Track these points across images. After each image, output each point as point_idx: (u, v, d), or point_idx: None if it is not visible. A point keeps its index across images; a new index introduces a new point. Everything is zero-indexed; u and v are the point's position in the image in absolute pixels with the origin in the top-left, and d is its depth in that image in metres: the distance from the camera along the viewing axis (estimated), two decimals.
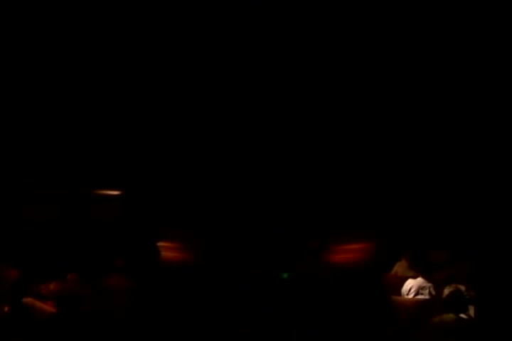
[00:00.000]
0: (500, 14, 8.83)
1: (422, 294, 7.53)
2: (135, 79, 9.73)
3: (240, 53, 9.67)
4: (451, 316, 6.34)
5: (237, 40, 9.56)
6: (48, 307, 6.60)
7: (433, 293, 7.47)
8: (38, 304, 6.58)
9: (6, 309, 6.54)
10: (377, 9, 9.21)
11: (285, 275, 8.19)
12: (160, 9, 9.22)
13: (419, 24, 9.14)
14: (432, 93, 9.59)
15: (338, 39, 9.51)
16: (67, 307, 6.37)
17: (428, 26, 9.15)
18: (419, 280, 7.61)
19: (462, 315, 6.43)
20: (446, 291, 6.62)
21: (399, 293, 7.70)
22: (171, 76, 9.78)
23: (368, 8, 9.23)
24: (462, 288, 6.89)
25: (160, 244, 9.16)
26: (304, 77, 9.82)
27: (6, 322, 6.41)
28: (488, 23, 8.92)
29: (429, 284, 7.54)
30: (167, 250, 9.26)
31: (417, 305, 7.33)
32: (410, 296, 7.56)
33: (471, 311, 6.75)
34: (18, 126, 9.51)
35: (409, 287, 7.61)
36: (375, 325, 7.13)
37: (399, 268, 8.36)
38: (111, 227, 9.26)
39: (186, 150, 10.04)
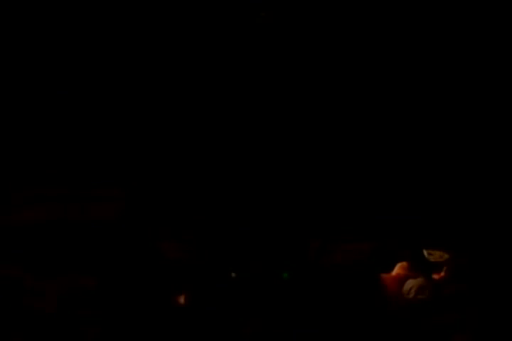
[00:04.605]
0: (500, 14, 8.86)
1: (422, 294, 7.55)
2: (134, 79, 9.75)
3: (236, 53, 9.69)
4: (450, 315, 6.35)
5: (232, 40, 9.58)
6: (49, 307, 6.61)
7: (433, 293, 7.48)
8: (39, 303, 6.59)
9: (7, 309, 6.55)
10: (375, 8, 9.24)
11: (285, 275, 8.20)
12: (154, 8, 9.25)
13: (419, 24, 9.16)
14: (434, 94, 9.61)
15: (334, 39, 9.54)
16: (67, 306, 6.38)
17: (428, 26, 9.18)
18: (420, 280, 7.62)
19: (462, 315, 6.44)
20: (446, 291, 6.62)
21: (399, 294, 7.71)
22: (169, 75, 9.80)
23: (366, 8, 9.26)
24: (461, 287, 6.90)
25: (160, 244, 9.16)
26: (300, 77, 9.84)
27: (5, 322, 6.42)
28: (488, 23, 8.95)
29: (430, 284, 7.55)
30: (168, 250, 9.26)
31: (417, 305, 7.34)
32: (411, 296, 7.57)
33: (471, 310, 6.77)
34: (17, 125, 9.52)
35: (409, 287, 7.61)
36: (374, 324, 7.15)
37: (399, 268, 8.37)
38: (111, 227, 9.26)
39: (186, 150, 10.05)
